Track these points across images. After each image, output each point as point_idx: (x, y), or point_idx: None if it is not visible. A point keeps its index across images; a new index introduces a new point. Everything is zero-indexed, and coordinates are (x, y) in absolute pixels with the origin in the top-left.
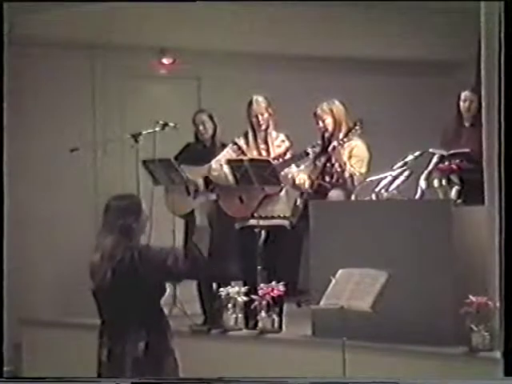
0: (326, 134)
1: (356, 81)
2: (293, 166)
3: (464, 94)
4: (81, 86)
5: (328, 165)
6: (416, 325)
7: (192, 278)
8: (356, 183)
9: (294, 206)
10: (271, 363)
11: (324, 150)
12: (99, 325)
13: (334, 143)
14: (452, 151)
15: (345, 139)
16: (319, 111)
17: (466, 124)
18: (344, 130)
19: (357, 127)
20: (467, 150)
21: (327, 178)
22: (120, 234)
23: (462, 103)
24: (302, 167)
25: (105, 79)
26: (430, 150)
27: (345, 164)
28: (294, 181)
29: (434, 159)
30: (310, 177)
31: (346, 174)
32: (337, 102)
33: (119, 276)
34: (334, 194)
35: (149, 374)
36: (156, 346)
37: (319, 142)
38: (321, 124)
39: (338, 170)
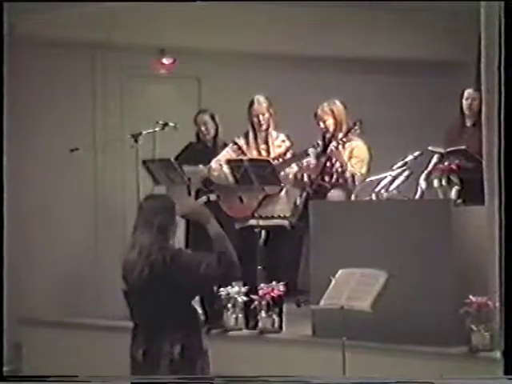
0: (327, 135)
1: (356, 81)
2: (294, 165)
3: (467, 92)
4: (81, 86)
5: (328, 165)
6: (416, 325)
7: (225, 283)
8: (356, 183)
9: (294, 206)
10: (271, 363)
11: (324, 150)
12: (132, 324)
13: (335, 143)
14: (449, 149)
15: (344, 139)
16: (320, 112)
17: (468, 123)
18: (345, 130)
19: (356, 127)
20: (463, 147)
21: (327, 178)
22: (158, 232)
23: (464, 101)
24: (305, 167)
25: (105, 79)
26: (429, 148)
27: (345, 164)
28: (295, 178)
29: (434, 159)
30: (310, 176)
31: (347, 174)
32: (337, 102)
33: (155, 275)
34: (334, 194)
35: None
36: (191, 348)
37: (320, 142)
38: (322, 125)
39: (339, 170)
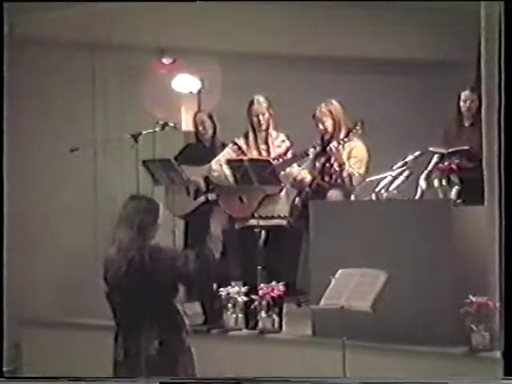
0: (326, 136)
1: (356, 81)
2: (294, 165)
3: (464, 94)
4: (81, 85)
5: (327, 165)
6: (416, 325)
7: (201, 280)
8: (354, 183)
9: (293, 206)
10: (271, 363)
11: (324, 150)
12: (115, 325)
13: (334, 143)
14: (451, 149)
15: (345, 139)
16: (318, 113)
17: (466, 124)
18: (344, 130)
19: (358, 127)
20: (466, 147)
21: (326, 178)
22: (137, 231)
23: (462, 103)
24: (303, 167)
25: (105, 79)
26: (430, 149)
27: (343, 164)
28: (294, 179)
29: (434, 159)
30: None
31: (345, 174)
32: (335, 103)
33: (132, 273)
34: (333, 195)
35: (164, 373)
36: (171, 345)
37: (319, 142)
38: (321, 126)
39: (337, 169)
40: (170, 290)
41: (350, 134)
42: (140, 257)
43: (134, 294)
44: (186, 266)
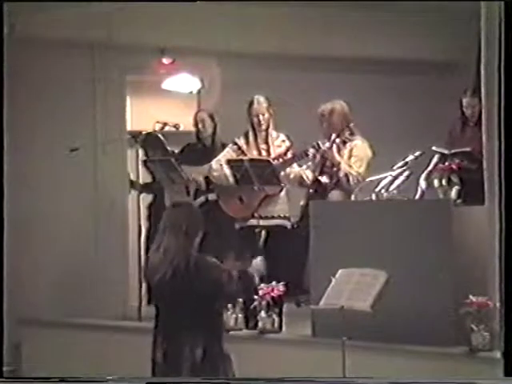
0: (327, 136)
1: (356, 81)
2: (294, 165)
3: (466, 101)
4: (81, 85)
5: (327, 165)
6: (416, 325)
7: (239, 297)
8: (352, 183)
9: (299, 207)
10: (271, 363)
11: (324, 150)
12: (154, 326)
13: (327, 144)
14: (454, 150)
15: (338, 140)
16: (322, 112)
17: (471, 123)
18: (341, 130)
19: (350, 126)
20: (468, 149)
21: (327, 179)
22: (185, 238)
23: (465, 109)
24: (304, 167)
25: (105, 79)
26: (433, 148)
27: (338, 164)
28: (297, 179)
29: (434, 159)
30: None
31: (341, 174)
32: (339, 103)
33: (177, 278)
34: (334, 195)
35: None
36: (213, 352)
37: (320, 142)
38: (324, 125)
39: (335, 169)
40: (212, 298)
41: (341, 134)
42: (185, 264)
43: (179, 297)
44: (229, 285)
